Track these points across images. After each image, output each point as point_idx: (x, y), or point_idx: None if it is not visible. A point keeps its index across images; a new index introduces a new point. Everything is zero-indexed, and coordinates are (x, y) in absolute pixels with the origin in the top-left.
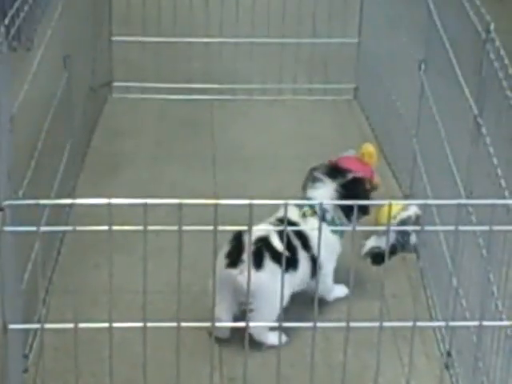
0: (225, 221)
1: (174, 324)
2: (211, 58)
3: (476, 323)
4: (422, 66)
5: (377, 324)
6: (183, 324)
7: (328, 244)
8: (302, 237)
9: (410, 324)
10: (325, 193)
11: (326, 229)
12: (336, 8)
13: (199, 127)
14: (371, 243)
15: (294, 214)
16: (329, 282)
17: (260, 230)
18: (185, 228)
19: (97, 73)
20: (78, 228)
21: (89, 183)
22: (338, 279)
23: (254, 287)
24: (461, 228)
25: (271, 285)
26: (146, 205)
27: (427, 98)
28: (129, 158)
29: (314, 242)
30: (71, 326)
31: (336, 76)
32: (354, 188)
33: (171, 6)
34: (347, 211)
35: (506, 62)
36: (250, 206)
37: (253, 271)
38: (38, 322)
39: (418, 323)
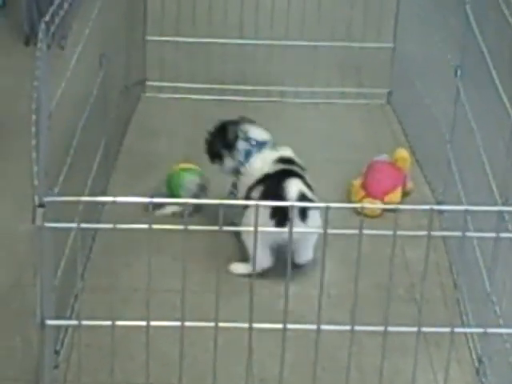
0: None
1: (212, 324)
2: (245, 60)
3: None
4: (458, 72)
5: (415, 329)
6: (221, 324)
7: None
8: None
9: (447, 330)
10: (260, 133)
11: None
12: (371, 12)
13: None
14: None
15: (291, 152)
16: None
17: (295, 184)
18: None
19: (131, 72)
20: (119, 226)
21: (121, 182)
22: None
23: (301, 237)
24: (502, 235)
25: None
26: (186, 204)
27: (462, 104)
28: (161, 157)
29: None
30: (109, 323)
31: (370, 80)
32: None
33: (206, 7)
34: None
35: None
36: (291, 207)
37: (301, 224)
38: (70, 318)
39: (456, 329)
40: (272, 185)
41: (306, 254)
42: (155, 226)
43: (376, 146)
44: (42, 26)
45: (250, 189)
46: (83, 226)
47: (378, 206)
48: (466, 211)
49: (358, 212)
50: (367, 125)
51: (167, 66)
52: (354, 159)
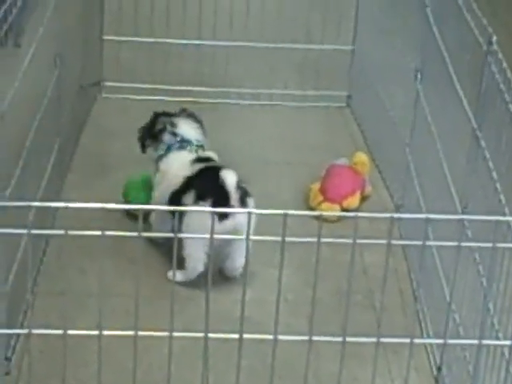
0: None
1: (166, 333)
2: (203, 61)
3: (475, 342)
4: (418, 76)
5: (374, 340)
6: (175, 334)
7: None
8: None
9: (407, 340)
10: (192, 130)
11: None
12: (331, 14)
13: None
14: None
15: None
16: None
17: (231, 174)
18: (181, 235)
19: (87, 72)
20: (70, 232)
21: (76, 183)
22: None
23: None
24: (463, 244)
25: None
26: (141, 209)
27: (422, 107)
28: (117, 158)
29: None
30: (60, 332)
31: (329, 83)
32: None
33: (164, 7)
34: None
35: (509, 75)
36: (249, 214)
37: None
38: (22, 324)
39: (416, 340)
40: (206, 183)
41: (240, 259)
42: (108, 233)
43: (335, 149)
44: None
45: (177, 195)
46: (34, 231)
47: (337, 213)
48: (427, 219)
49: (317, 217)
50: (326, 128)
51: (124, 66)
52: (312, 163)
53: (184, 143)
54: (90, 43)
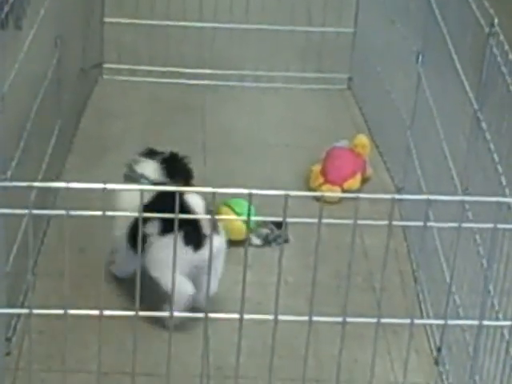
0: None
1: (166, 314)
2: (204, 43)
3: (476, 322)
4: (420, 58)
5: (374, 320)
6: (175, 314)
7: None
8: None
9: (407, 321)
10: (151, 170)
11: None
12: None
13: (190, 112)
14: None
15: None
16: None
17: (196, 199)
18: (181, 216)
19: (88, 54)
20: (72, 212)
21: (77, 165)
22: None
23: (218, 249)
24: (464, 225)
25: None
26: (141, 191)
27: (423, 90)
28: (118, 140)
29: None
30: (61, 312)
31: (330, 65)
32: (173, 161)
33: None
34: (170, 175)
35: (511, 57)
36: (250, 195)
37: (214, 237)
38: (23, 304)
39: (416, 321)
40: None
41: (213, 284)
42: (108, 213)
43: (336, 131)
44: None
45: (135, 227)
46: (36, 212)
47: (337, 194)
48: (428, 201)
49: (317, 198)
50: (327, 110)
51: (125, 48)
52: (313, 145)
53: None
54: (91, 25)
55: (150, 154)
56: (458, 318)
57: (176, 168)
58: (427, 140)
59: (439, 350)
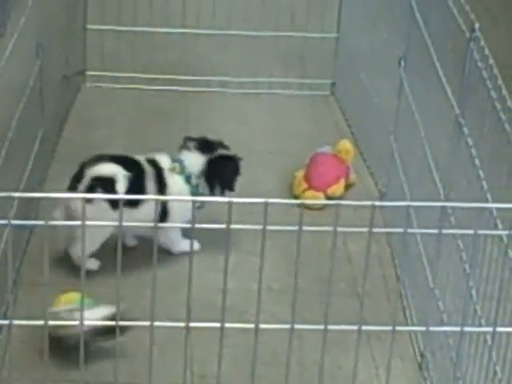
0: None
1: (147, 323)
2: (187, 49)
3: (457, 329)
4: (402, 63)
5: (355, 327)
6: (157, 323)
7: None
8: (162, 183)
9: (389, 328)
10: (194, 163)
11: (184, 184)
12: (315, 2)
13: (173, 119)
14: None
15: (165, 162)
16: (174, 234)
17: (107, 169)
18: (160, 225)
19: (70, 61)
20: (51, 222)
21: (60, 174)
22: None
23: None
24: (444, 231)
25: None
26: (122, 199)
27: (406, 95)
28: (101, 148)
29: (169, 191)
30: (41, 323)
31: (313, 71)
32: (218, 164)
33: None
34: (211, 184)
35: (491, 61)
36: (230, 203)
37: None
38: (5, 315)
39: (398, 327)
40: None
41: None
42: (89, 223)
43: (319, 137)
44: None
45: None
46: (14, 222)
47: (318, 201)
48: (409, 206)
49: (299, 205)
50: (310, 116)
51: (108, 55)
52: (296, 151)
53: None
54: (74, 32)
55: (204, 146)
56: (442, 323)
57: (219, 172)
58: (410, 145)
59: (423, 355)
